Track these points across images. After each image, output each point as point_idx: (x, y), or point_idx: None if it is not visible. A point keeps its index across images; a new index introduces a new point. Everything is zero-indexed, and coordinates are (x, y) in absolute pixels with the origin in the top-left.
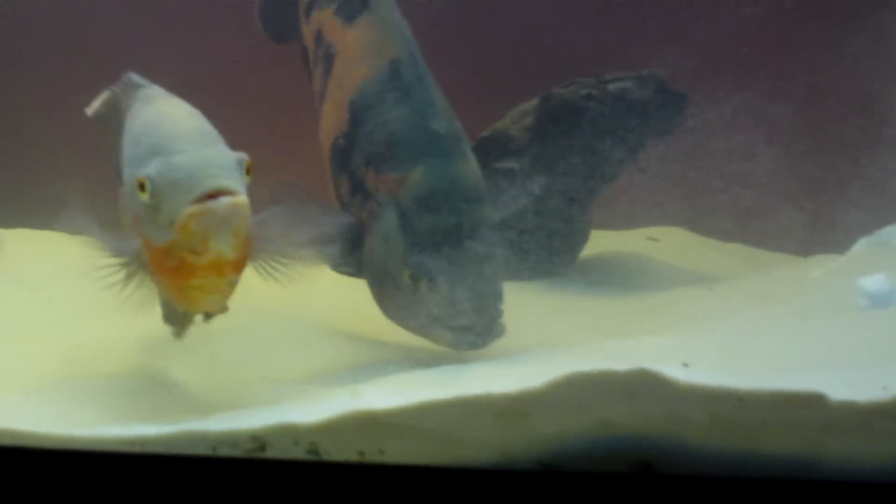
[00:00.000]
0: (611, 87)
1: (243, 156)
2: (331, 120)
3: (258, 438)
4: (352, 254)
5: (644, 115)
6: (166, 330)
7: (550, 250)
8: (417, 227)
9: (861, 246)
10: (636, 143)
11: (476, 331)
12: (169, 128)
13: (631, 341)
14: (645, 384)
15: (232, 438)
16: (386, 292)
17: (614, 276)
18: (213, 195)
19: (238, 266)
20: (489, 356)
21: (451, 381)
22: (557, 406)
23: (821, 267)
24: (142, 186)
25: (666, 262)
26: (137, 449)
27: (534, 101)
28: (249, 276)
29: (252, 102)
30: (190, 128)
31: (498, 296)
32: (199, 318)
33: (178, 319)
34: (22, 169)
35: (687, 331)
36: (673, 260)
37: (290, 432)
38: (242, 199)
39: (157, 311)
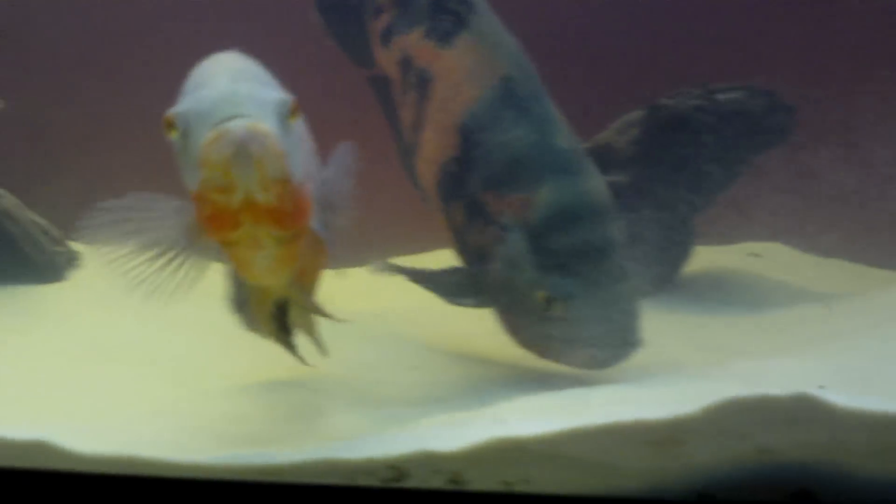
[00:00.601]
0: (720, 97)
1: (286, 97)
2: (435, 147)
3: (397, 467)
4: (470, 285)
5: (753, 127)
6: (269, 352)
7: (654, 265)
8: (547, 248)
9: None
10: (743, 157)
11: (615, 345)
12: (208, 69)
13: (759, 363)
14: (806, 409)
15: (369, 467)
16: (515, 318)
17: (719, 293)
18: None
19: (280, 218)
20: (611, 378)
21: (587, 406)
22: (714, 433)
23: None
24: (171, 125)
25: (770, 278)
26: (268, 478)
27: (640, 112)
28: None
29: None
30: (227, 68)
31: (633, 309)
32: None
33: (246, 306)
34: (104, 185)
35: (816, 351)
36: (777, 276)
37: (430, 460)
38: (263, 125)
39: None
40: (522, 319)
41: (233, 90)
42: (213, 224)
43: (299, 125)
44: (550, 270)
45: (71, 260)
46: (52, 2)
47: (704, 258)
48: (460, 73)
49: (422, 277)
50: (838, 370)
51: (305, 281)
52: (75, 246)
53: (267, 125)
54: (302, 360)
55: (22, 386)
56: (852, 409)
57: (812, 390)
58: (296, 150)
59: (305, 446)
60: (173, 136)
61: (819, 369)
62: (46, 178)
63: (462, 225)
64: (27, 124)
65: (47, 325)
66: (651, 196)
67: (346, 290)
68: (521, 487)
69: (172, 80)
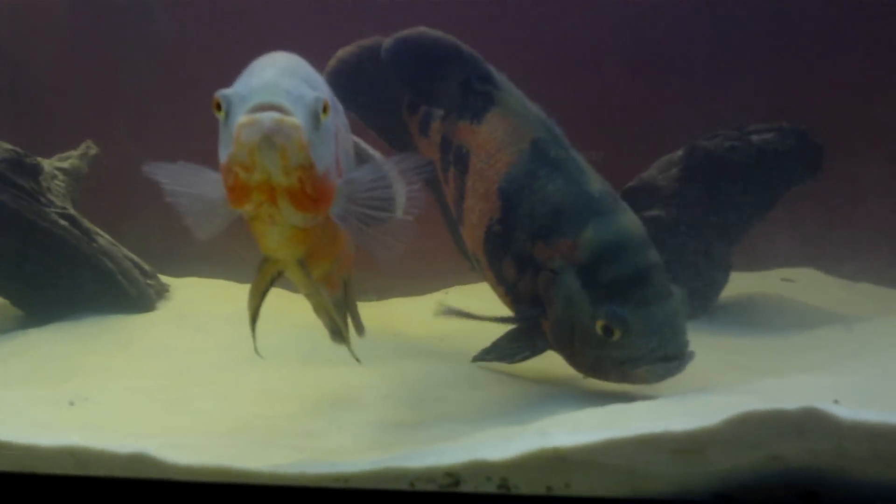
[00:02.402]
0: (753, 138)
1: (320, 95)
2: (477, 213)
3: (453, 474)
4: (527, 341)
5: (784, 166)
6: (342, 375)
7: (694, 292)
8: (600, 280)
9: None
10: (776, 193)
11: (672, 358)
12: (261, 62)
13: (782, 380)
14: (813, 421)
15: (429, 474)
16: (579, 352)
17: (755, 317)
18: (270, 110)
19: (297, 200)
20: (652, 394)
21: (625, 419)
22: (732, 442)
23: None
24: (218, 106)
25: (802, 302)
26: (341, 485)
27: (679, 153)
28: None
29: None
30: (277, 63)
31: (682, 323)
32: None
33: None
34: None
35: (835, 369)
36: (809, 300)
37: (482, 468)
38: (291, 119)
39: (329, 363)
40: (585, 350)
41: (274, 82)
42: (234, 194)
43: (333, 121)
44: (604, 301)
45: (161, 292)
46: (132, 47)
47: (741, 284)
48: (494, 144)
49: (486, 353)
50: (853, 386)
51: (317, 264)
52: (165, 279)
53: (296, 118)
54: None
55: (121, 405)
56: (856, 421)
57: (819, 404)
58: (323, 144)
59: (371, 457)
60: (219, 114)
61: (836, 385)
62: (134, 215)
63: (514, 279)
64: (113, 165)
65: (141, 351)
66: (691, 230)
67: (406, 315)
68: (561, 491)
69: None
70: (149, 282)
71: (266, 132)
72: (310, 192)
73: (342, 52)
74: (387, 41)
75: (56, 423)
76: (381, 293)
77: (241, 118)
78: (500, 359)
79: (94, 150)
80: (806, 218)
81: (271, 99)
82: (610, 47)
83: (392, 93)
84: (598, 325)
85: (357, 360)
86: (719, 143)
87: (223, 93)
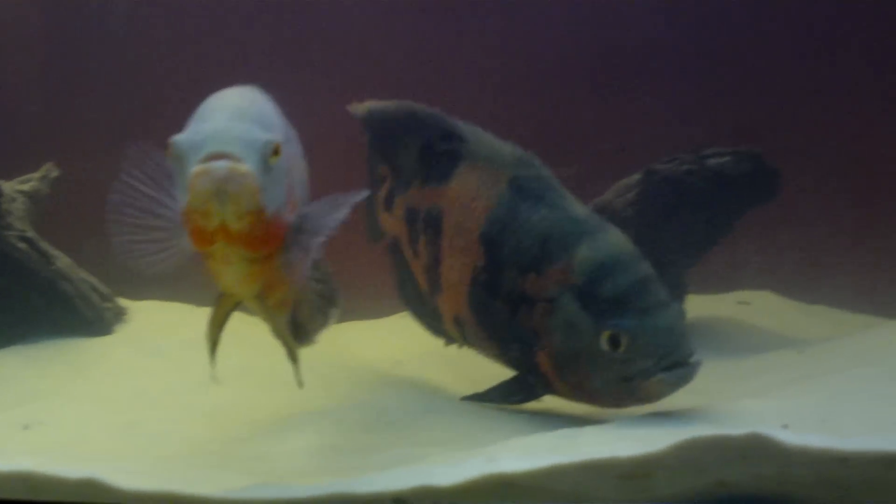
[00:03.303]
0: (710, 162)
1: (271, 138)
2: (458, 270)
3: (402, 499)
4: (523, 392)
5: (741, 189)
6: (297, 398)
7: None
8: (599, 298)
9: None
10: (732, 216)
11: (682, 364)
12: (212, 104)
13: (733, 404)
14: (758, 447)
15: (378, 499)
16: (585, 379)
17: (710, 341)
18: (219, 158)
19: (250, 242)
20: (602, 419)
21: (574, 445)
22: (678, 468)
23: None
24: (170, 151)
25: (757, 325)
26: None
27: (636, 176)
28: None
29: None
30: (229, 105)
31: (685, 329)
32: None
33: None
34: None
35: (785, 393)
36: (764, 323)
37: (431, 493)
38: (243, 167)
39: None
40: (592, 375)
41: (225, 128)
42: (194, 237)
43: (286, 157)
44: (606, 316)
45: (118, 315)
46: (95, 68)
47: (697, 307)
48: (468, 195)
49: (485, 397)
50: (802, 410)
51: (275, 296)
52: (123, 302)
53: (247, 166)
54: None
55: (76, 429)
56: (800, 446)
57: (764, 430)
58: (274, 185)
59: (322, 481)
60: (173, 159)
61: (785, 410)
62: (94, 236)
63: (507, 321)
64: (75, 187)
65: (97, 375)
66: (647, 254)
67: (363, 338)
68: None
69: None
70: (106, 305)
71: (218, 182)
72: (262, 233)
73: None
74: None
75: (9, 447)
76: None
77: (195, 168)
78: (500, 402)
79: (55, 173)
80: (762, 240)
81: (222, 147)
82: (573, 65)
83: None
84: (604, 338)
85: (300, 383)
86: (676, 166)
87: (176, 140)
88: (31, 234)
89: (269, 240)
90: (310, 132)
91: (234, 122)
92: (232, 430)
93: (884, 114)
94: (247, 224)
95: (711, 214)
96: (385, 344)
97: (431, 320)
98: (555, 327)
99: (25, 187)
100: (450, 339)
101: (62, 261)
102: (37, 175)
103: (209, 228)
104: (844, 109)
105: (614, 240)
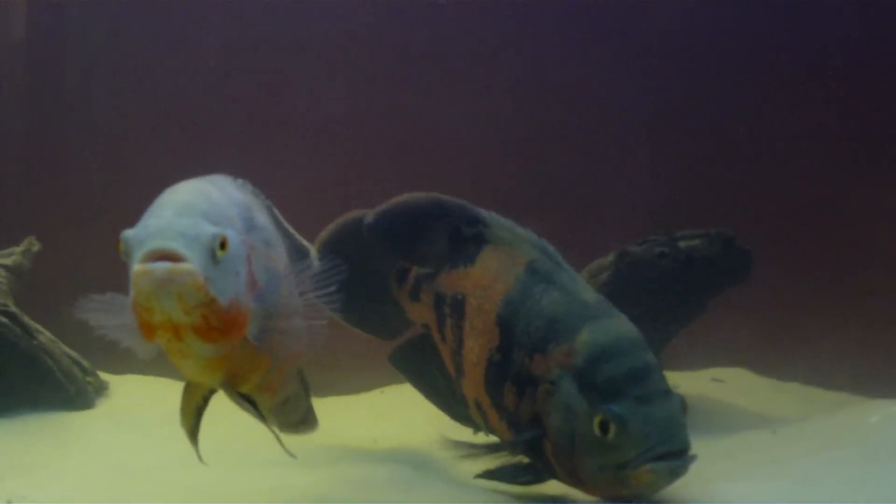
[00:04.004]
0: (682, 244)
1: (217, 232)
2: (476, 351)
3: None
4: (529, 475)
5: (713, 272)
6: (279, 476)
7: None
8: (596, 382)
9: None
10: (705, 297)
11: (673, 456)
12: (162, 198)
13: (707, 487)
14: None
15: None
16: (580, 465)
17: None
18: (163, 257)
19: (203, 333)
20: (569, 497)
21: None
22: None
23: (879, 412)
24: (119, 246)
25: (731, 403)
26: None
27: (609, 257)
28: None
29: None
30: (177, 200)
31: (683, 423)
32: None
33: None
34: None
35: (758, 476)
36: (737, 401)
37: None
38: (184, 266)
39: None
40: (585, 460)
41: (169, 225)
42: (143, 331)
43: (239, 248)
44: (601, 401)
45: (100, 389)
46: (74, 139)
47: (671, 384)
48: (489, 277)
49: (495, 475)
50: (774, 493)
51: (245, 380)
52: (104, 376)
53: (189, 263)
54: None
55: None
56: None
57: None
58: (226, 275)
59: None
60: (122, 254)
61: (758, 493)
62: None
63: (514, 405)
64: (58, 261)
65: (79, 450)
66: None
67: (341, 414)
68: None
69: None
70: (88, 379)
71: (159, 282)
72: (216, 324)
73: (323, 234)
74: (368, 217)
75: None
76: (318, 391)
77: (136, 266)
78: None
79: (36, 247)
80: (736, 317)
81: (164, 245)
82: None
83: (374, 269)
84: (595, 422)
85: (292, 455)
86: (648, 248)
87: (124, 235)
88: (13, 308)
89: (225, 330)
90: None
91: (179, 218)
92: None
93: (861, 187)
94: (195, 318)
95: (684, 296)
96: (363, 421)
97: (458, 408)
98: (554, 409)
99: (7, 261)
100: (475, 427)
101: (44, 335)
102: (19, 249)
103: (154, 322)
104: (820, 181)
105: (618, 326)
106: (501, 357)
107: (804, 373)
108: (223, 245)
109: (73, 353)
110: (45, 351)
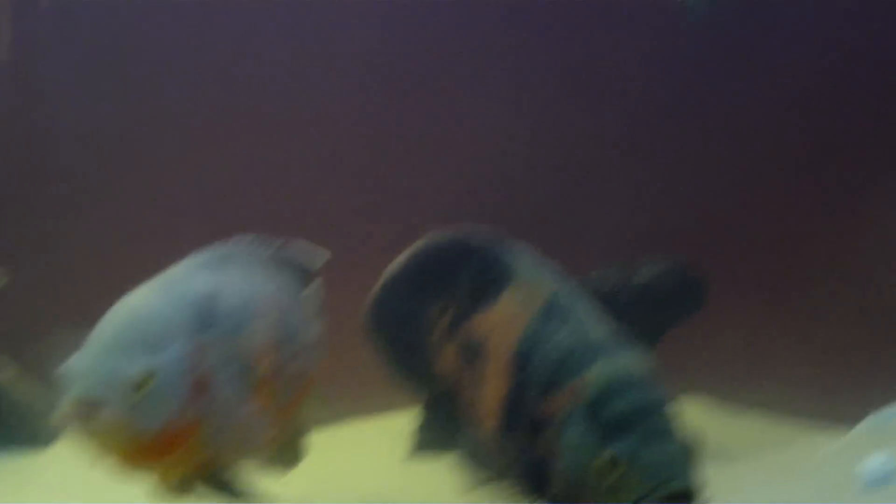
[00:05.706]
0: (636, 277)
1: (139, 371)
2: (494, 390)
3: None
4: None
5: (666, 303)
6: None
7: None
8: (604, 418)
9: (869, 422)
10: (660, 329)
11: (680, 498)
12: (101, 327)
13: None
14: None
15: None
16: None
17: None
18: (86, 403)
19: (142, 457)
20: None
21: None
22: None
23: (832, 443)
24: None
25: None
26: None
27: None
28: None
29: None
30: (109, 332)
31: (691, 465)
32: None
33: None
34: None
35: None
36: (697, 430)
37: None
38: (101, 415)
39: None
40: (592, 499)
41: (93, 367)
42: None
43: (182, 363)
44: (609, 438)
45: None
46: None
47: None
48: (509, 316)
49: None
50: None
51: (213, 467)
52: None
53: (109, 409)
54: None
55: None
56: None
57: None
58: (158, 404)
59: None
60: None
61: None
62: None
63: (528, 444)
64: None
65: (39, 489)
66: None
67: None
68: None
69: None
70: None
71: (82, 428)
72: (153, 448)
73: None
74: (389, 268)
75: None
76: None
77: (59, 408)
78: None
79: (3, 280)
80: (695, 344)
81: (86, 392)
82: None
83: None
84: (605, 455)
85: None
86: (603, 281)
87: (62, 368)
88: None
89: (164, 451)
90: None
91: (103, 358)
92: None
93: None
94: (130, 448)
95: (640, 328)
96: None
97: (481, 457)
98: (563, 447)
99: None
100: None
101: (6, 373)
102: None
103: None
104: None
105: (629, 361)
106: (515, 397)
107: (766, 399)
108: (145, 383)
109: (38, 388)
110: (6, 389)
